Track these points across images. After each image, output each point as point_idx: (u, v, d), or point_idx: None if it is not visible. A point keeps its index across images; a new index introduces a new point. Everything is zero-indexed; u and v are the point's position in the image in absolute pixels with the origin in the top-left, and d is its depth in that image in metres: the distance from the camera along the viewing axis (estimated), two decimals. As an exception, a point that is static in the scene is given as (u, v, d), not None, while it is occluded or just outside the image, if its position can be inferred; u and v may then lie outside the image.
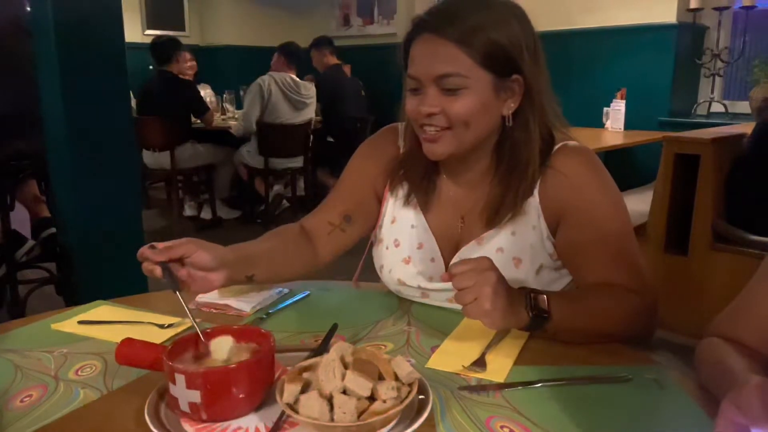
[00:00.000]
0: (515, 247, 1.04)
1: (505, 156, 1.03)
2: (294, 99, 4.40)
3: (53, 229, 2.68)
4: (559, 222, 1.03)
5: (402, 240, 1.12)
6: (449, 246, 1.09)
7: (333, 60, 4.86)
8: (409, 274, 1.10)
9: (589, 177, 1.02)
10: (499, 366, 0.84)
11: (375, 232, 1.18)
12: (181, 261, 0.90)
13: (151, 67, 4.59)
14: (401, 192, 1.13)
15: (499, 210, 1.03)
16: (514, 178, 1.02)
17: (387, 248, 1.14)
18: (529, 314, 0.87)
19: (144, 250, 0.88)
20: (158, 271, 0.87)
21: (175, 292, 0.86)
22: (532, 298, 0.88)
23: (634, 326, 0.96)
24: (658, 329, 1.02)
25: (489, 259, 0.87)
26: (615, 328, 0.94)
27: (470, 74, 0.94)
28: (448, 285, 1.02)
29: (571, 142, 1.04)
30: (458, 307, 1.05)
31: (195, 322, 0.80)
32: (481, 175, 1.07)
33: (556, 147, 1.03)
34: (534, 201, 1.03)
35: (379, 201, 1.17)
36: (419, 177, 1.10)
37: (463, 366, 0.84)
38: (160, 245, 0.89)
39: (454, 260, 1.07)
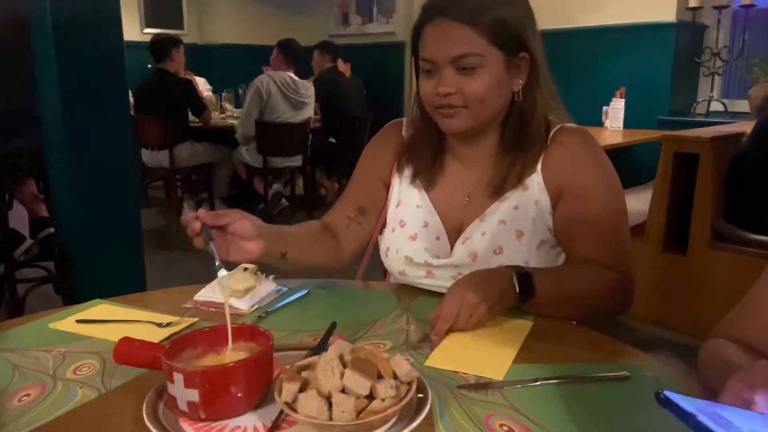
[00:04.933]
0: (517, 220, 1.08)
1: (511, 131, 1.09)
2: (293, 98, 4.39)
3: (51, 229, 2.68)
4: (559, 198, 1.08)
5: (407, 220, 1.16)
6: (454, 224, 1.13)
7: (328, 63, 4.92)
8: (415, 249, 1.13)
9: (587, 154, 1.08)
10: (498, 364, 0.84)
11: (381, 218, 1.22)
12: (223, 229, 0.93)
13: (150, 66, 4.58)
14: (407, 173, 1.18)
15: (506, 180, 1.08)
16: (521, 150, 1.08)
17: (393, 230, 1.18)
18: (517, 292, 0.94)
19: (191, 214, 0.90)
20: (197, 224, 0.89)
21: (208, 243, 0.89)
22: (517, 276, 0.94)
23: (610, 302, 1.04)
24: (657, 328, 1.03)
25: (474, 284, 0.92)
26: (593, 301, 1.01)
27: (485, 53, 1.00)
28: (454, 260, 1.08)
29: (569, 124, 1.11)
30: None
31: (218, 258, 0.86)
32: (486, 151, 1.12)
33: (556, 128, 1.09)
34: (537, 177, 1.08)
35: (388, 189, 1.21)
36: (424, 158, 1.15)
37: (462, 364, 0.83)
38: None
39: (460, 240, 1.11)
